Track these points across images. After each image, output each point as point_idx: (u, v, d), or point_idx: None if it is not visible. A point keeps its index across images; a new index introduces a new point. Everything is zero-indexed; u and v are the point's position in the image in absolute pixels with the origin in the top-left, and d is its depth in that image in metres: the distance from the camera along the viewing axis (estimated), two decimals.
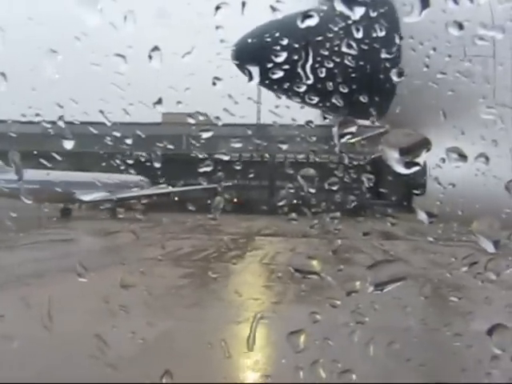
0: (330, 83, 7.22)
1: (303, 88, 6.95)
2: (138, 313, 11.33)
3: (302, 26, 5.66)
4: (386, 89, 7.96)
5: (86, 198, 50.24)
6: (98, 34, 6.29)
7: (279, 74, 6.59)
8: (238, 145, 11.15)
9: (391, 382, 8.16)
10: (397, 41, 7.78)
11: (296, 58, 6.85)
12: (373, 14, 6.74)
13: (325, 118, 6.43)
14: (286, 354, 5.65)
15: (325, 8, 7.08)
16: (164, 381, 5.47)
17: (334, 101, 7.10)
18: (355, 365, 6.67)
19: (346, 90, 7.17)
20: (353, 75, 7.58)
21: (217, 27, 6.39)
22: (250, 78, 6.30)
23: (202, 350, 10.64)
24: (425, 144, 4.22)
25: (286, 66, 6.79)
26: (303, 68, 6.71)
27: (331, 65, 7.28)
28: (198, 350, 11.21)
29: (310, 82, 6.79)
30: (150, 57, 5.96)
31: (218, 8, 5.70)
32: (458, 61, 7.89)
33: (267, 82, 7.21)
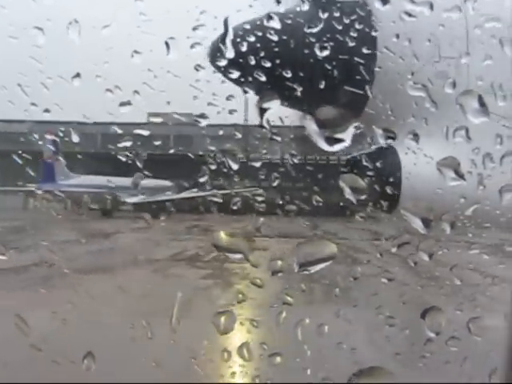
0: (305, 83, 7.10)
1: (280, 88, 6.83)
2: None
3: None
4: (361, 89, 7.80)
5: (130, 200, 52.78)
6: (16, 6, 6.11)
7: (257, 75, 6.45)
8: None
9: (321, 366, 7.97)
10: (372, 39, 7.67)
11: (271, 55, 6.74)
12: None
13: (245, 92, 6.22)
14: (210, 335, 5.44)
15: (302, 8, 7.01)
16: (86, 362, 5.48)
17: (311, 102, 6.96)
18: (283, 347, 6.51)
19: (319, 91, 7.06)
20: (328, 74, 7.44)
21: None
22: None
23: (125, 331, 10.46)
24: (351, 120, 3.99)
25: (264, 66, 6.71)
26: (278, 67, 6.57)
27: (306, 65, 7.18)
28: (121, 332, 11.01)
29: (286, 81, 6.65)
30: (69, 30, 5.79)
31: None
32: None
33: (247, 83, 7.06)
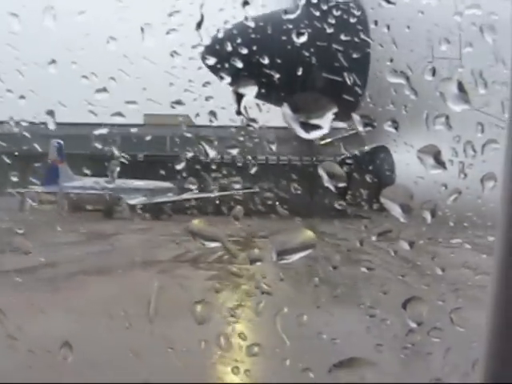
0: (298, 82, 7.04)
1: (270, 87, 6.77)
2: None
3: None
4: (354, 88, 7.71)
5: (132, 201, 53.69)
6: None
7: (248, 73, 6.39)
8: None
9: (301, 356, 7.90)
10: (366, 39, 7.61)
11: (263, 56, 6.69)
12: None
13: (222, 78, 6.16)
14: (188, 325, 5.37)
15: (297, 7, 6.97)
16: (62, 352, 5.51)
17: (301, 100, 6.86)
18: (262, 338, 6.43)
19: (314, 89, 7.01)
20: (320, 74, 7.37)
21: None
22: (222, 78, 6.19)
23: (103, 320, 10.35)
24: (329, 107, 3.87)
25: (254, 64, 6.65)
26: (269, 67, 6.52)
27: (299, 64, 7.13)
28: (99, 321, 10.89)
29: (277, 80, 6.60)
30: (44, 16, 5.76)
31: None
32: None
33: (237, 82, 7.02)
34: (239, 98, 4.45)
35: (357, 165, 7.82)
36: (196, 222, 4.81)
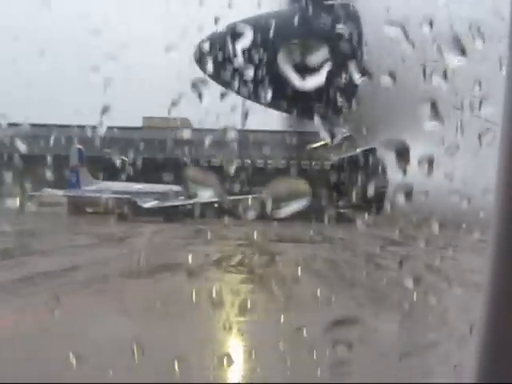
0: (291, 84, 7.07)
1: (263, 90, 6.80)
2: None
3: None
4: (347, 89, 7.71)
5: (146, 205, 57.21)
6: None
7: (242, 76, 6.42)
8: None
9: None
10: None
11: (257, 57, 6.73)
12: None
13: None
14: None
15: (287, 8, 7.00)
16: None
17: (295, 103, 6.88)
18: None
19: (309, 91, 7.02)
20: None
21: None
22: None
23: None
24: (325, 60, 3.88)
25: (248, 66, 6.70)
26: (261, 68, 6.54)
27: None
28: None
29: (269, 82, 6.63)
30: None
31: None
32: None
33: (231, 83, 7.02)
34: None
35: (348, 168, 7.82)
36: (190, 170, 4.81)
